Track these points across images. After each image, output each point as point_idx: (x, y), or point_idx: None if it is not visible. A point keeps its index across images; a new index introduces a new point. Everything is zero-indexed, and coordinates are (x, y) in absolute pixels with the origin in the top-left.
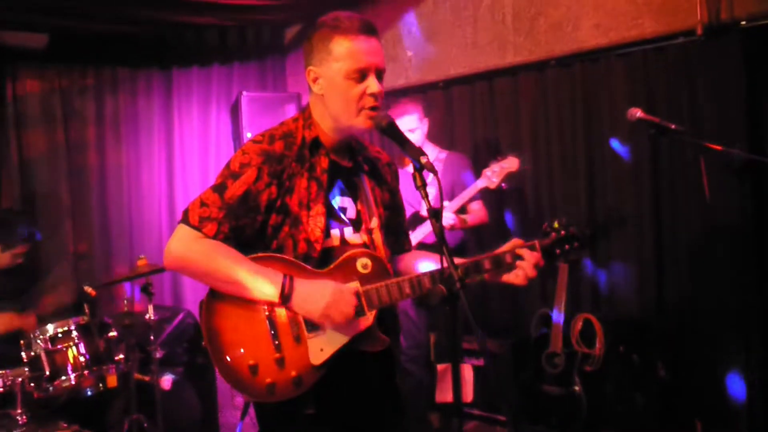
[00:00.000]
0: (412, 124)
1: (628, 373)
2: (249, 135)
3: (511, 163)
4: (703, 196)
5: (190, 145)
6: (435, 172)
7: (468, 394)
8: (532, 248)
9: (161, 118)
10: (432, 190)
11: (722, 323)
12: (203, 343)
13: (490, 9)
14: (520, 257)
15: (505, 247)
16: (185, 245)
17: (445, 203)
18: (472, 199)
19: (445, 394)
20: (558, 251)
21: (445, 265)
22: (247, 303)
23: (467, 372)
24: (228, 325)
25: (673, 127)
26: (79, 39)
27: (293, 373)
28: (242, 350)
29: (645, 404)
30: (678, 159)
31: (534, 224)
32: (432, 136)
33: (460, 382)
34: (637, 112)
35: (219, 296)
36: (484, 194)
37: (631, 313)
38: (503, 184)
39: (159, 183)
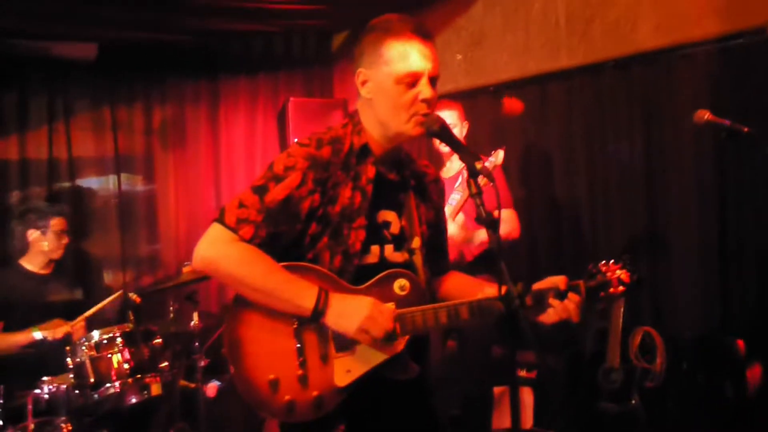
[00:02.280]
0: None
1: (692, 392)
2: (296, 141)
3: (497, 157)
4: None
5: (237, 153)
6: (492, 179)
7: (528, 420)
8: (576, 289)
9: (208, 126)
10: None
11: None
12: (222, 350)
13: (542, 12)
14: (559, 297)
15: (547, 283)
16: (218, 247)
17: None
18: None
19: (502, 420)
20: (602, 294)
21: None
22: (276, 314)
23: (527, 396)
24: (252, 336)
25: (745, 130)
26: (127, 49)
27: (315, 393)
28: (264, 363)
29: (711, 425)
30: (745, 164)
31: (589, 234)
32: (482, 142)
33: (519, 407)
34: (706, 114)
35: (246, 303)
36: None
37: (695, 327)
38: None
39: (206, 191)
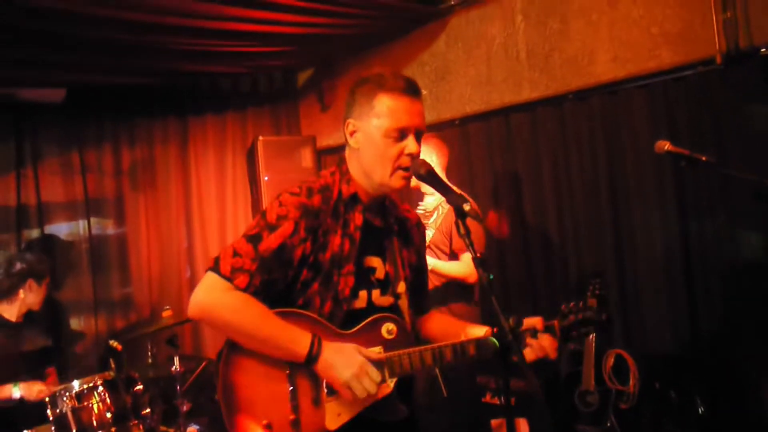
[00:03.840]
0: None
1: (665, 410)
2: (266, 179)
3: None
4: (731, 226)
5: (208, 192)
6: (481, 220)
7: None
8: (551, 329)
9: (178, 166)
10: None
11: (761, 355)
12: (216, 396)
13: (503, 46)
14: (535, 337)
15: (524, 324)
16: (214, 296)
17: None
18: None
19: None
20: (575, 333)
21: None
22: (269, 360)
23: (523, 427)
24: (245, 381)
25: (704, 158)
26: (95, 92)
27: None
28: (257, 408)
29: None
30: (705, 190)
31: (558, 259)
32: (450, 173)
33: None
34: (666, 145)
35: (239, 349)
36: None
37: (665, 347)
38: None
39: (178, 231)
